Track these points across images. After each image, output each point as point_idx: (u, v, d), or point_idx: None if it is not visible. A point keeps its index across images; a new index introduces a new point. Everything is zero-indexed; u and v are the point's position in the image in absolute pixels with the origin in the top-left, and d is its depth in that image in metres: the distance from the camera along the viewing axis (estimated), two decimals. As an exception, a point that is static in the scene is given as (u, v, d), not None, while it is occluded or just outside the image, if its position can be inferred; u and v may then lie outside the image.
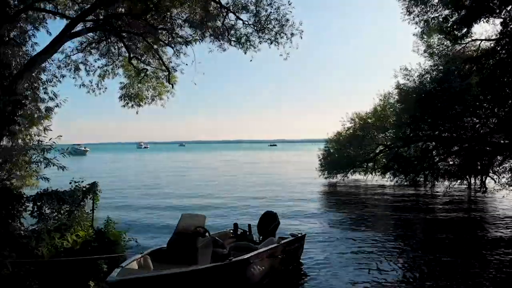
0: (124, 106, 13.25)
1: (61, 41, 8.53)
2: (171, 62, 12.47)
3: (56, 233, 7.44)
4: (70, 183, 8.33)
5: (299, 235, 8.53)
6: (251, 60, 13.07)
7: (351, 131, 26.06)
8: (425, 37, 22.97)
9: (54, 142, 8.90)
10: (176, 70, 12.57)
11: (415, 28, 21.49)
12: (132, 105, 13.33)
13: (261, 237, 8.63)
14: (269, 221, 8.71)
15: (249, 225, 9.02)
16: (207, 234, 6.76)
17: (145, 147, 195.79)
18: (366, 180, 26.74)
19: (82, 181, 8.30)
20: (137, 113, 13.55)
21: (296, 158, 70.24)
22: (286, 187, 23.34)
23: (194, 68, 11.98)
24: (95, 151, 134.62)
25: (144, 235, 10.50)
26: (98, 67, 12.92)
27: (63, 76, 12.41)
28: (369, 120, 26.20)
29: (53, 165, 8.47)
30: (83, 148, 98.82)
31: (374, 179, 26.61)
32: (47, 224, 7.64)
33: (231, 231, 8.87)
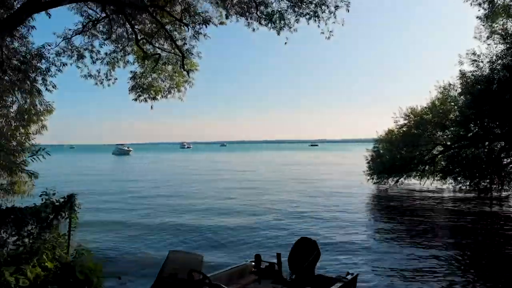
0: (135, 99, 11.22)
1: (31, 10, 6.53)
2: (185, 44, 10.26)
3: (9, 267, 5.38)
4: (41, 195, 6.28)
5: (349, 276, 5.93)
6: (285, 43, 10.60)
7: (405, 128, 22.62)
8: (489, 21, 19.79)
9: (25, 142, 6.99)
10: (193, 54, 10.36)
11: (478, 10, 18.27)
12: (146, 99, 11.29)
13: (293, 275, 6.12)
14: (306, 252, 6.20)
15: (279, 255, 6.53)
16: (207, 281, 4.41)
17: (188, 147, 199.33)
18: (423, 185, 23.12)
19: (54, 193, 6.22)
20: (151, 108, 11.49)
21: (339, 159, 66.51)
22: (328, 197, 19.60)
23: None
24: (140, 151, 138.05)
25: (137, 270, 7.80)
26: (106, 53, 11.07)
27: (63, 64, 10.68)
28: (426, 116, 22.66)
29: (20, 171, 6.54)
30: (126, 148, 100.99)
31: (432, 184, 23.02)
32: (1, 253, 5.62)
33: (253, 263, 6.45)
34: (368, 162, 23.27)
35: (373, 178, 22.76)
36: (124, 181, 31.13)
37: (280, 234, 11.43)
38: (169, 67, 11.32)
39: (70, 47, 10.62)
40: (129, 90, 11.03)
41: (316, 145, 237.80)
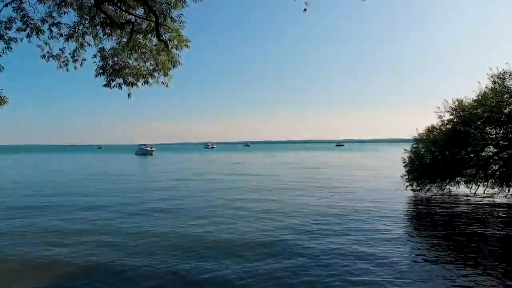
0: (107, 85, 8.59)
1: None
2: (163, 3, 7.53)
3: None
4: None
5: None
6: (304, 10, 7.79)
7: (450, 126, 19.04)
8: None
9: None
10: (172, 18, 7.63)
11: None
12: (120, 85, 8.66)
13: None
14: None
15: None
16: None
17: (212, 147, 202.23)
18: (474, 193, 19.39)
19: None
20: (129, 96, 8.83)
21: (368, 160, 62.51)
22: (358, 214, 14.92)
23: None
24: (165, 151, 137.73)
25: None
26: (67, 25, 8.56)
27: (13, 39, 8.27)
28: (475, 111, 18.99)
29: None
30: (149, 148, 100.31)
31: (485, 192, 19.32)
32: None
33: None
34: (406, 165, 19.75)
35: (412, 184, 19.29)
36: (122, 184, 28.98)
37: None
38: (152, 42, 8.68)
39: (20, 17, 8.20)
40: (97, 73, 8.40)
41: (342, 145, 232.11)
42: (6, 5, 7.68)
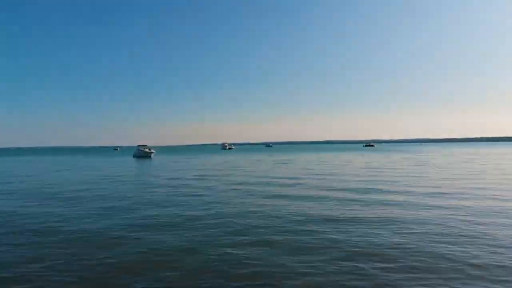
0: None
1: None
2: None
3: None
4: None
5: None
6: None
7: None
8: None
9: None
10: None
11: None
12: None
13: None
14: None
15: None
16: None
17: (229, 148, 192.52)
18: None
19: None
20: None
21: (418, 165, 45.80)
22: None
23: None
24: (175, 153, 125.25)
25: None
26: None
27: None
28: None
29: None
30: (147, 150, 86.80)
31: None
32: None
33: None
34: None
35: None
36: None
37: None
38: None
39: None
40: None
41: (372, 145, 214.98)
42: None
